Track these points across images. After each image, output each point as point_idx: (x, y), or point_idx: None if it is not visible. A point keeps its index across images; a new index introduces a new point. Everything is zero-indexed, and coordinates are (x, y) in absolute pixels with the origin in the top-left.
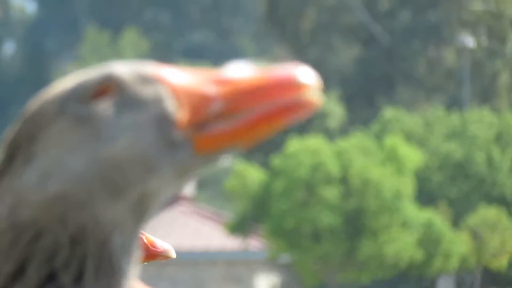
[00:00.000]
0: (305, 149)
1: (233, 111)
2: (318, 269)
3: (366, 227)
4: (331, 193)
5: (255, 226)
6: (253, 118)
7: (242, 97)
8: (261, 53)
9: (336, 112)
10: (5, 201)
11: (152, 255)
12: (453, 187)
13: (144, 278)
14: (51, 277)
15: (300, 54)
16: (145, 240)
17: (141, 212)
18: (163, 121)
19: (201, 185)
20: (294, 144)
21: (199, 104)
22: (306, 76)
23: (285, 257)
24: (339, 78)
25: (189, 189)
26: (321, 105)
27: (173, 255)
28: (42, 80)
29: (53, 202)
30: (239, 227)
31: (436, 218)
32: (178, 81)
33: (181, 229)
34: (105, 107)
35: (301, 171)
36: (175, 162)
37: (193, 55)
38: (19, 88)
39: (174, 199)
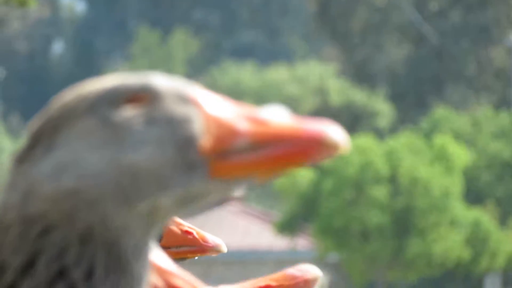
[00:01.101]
0: (354, 148)
1: (255, 147)
2: (366, 268)
3: (414, 226)
4: (380, 192)
5: (303, 225)
6: (272, 153)
7: (269, 141)
8: (311, 53)
9: (386, 111)
10: (19, 188)
11: (202, 249)
12: (500, 186)
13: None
14: (62, 273)
15: (350, 54)
16: (196, 235)
17: (151, 222)
18: (186, 142)
19: (250, 185)
20: None
21: (226, 136)
22: (335, 137)
23: (333, 256)
24: (389, 78)
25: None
26: (371, 104)
27: (224, 249)
28: (92, 78)
29: (64, 196)
30: (287, 226)
31: (483, 217)
32: (213, 110)
33: (229, 228)
34: (135, 115)
35: (350, 170)
36: (189, 184)
37: (242, 54)
38: (70, 86)
39: (223, 199)
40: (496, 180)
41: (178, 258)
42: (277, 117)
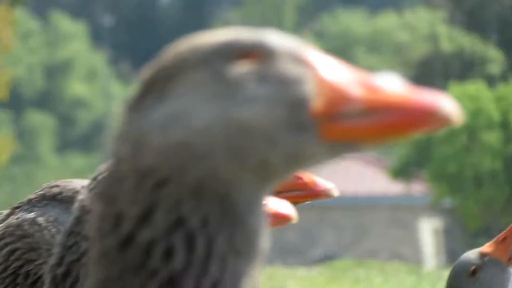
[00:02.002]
0: (466, 95)
1: (367, 113)
2: (480, 213)
3: None
4: (492, 138)
5: (417, 171)
6: (384, 121)
7: (381, 109)
8: (419, 0)
9: (496, 58)
10: (129, 139)
11: (315, 194)
12: None
13: (307, 223)
14: (179, 222)
15: (459, 1)
16: (307, 179)
17: (262, 179)
18: (298, 103)
19: (357, 150)
20: (455, 91)
21: (338, 100)
22: (448, 109)
23: (447, 202)
24: (499, 24)
25: None
26: (482, 51)
27: (335, 193)
28: (201, 29)
29: (174, 150)
30: (402, 172)
31: None
32: (326, 72)
33: (344, 174)
34: (248, 71)
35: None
36: (298, 144)
37: (353, 2)
38: (179, 36)
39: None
40: None
41: (290, 202)
42: (391, 85)
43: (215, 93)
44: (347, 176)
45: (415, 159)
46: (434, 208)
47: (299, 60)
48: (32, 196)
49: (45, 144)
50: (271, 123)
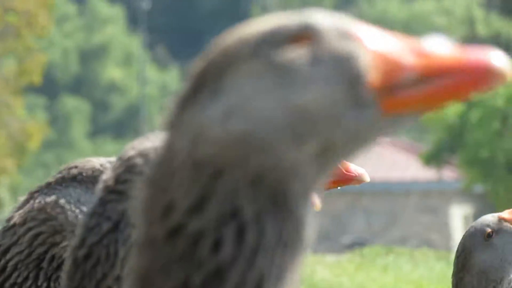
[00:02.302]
0: None
1: (423, 80)
2: (511, 199)
3: None
4: None
5: (450, 157)
6: (442, 86)
7: (436, 74)
8: None
9: None
10: (186, 132)
11: (346, 179)
12: None
13: (337, 209)
14: (232, 214)
15: None
16: (339, 165)
17: (322, 163)
18: (355, 79)
19: (418, 119)
20: None
21: (392, 71)
22: (501, 64)
23: (479, 187)
24: None
25: None
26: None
27: (367, 179)
28: (240, 12)
29: (235, 141)
30: (434, 158)
31: None
32: (376, 45)
33: (376, 160)
34: (300, 55)
35: (497, 102)
36: (360, 120)
37: None
38: (216, 20)
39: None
40: None
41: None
42: (441, 48)
43: (271, 82)
44: (379, 162)
45: (447, 144)
46: (465, 194)
47: (347, 36)
48: (51, 179)
49: (79, 129)
50: (331, 103)
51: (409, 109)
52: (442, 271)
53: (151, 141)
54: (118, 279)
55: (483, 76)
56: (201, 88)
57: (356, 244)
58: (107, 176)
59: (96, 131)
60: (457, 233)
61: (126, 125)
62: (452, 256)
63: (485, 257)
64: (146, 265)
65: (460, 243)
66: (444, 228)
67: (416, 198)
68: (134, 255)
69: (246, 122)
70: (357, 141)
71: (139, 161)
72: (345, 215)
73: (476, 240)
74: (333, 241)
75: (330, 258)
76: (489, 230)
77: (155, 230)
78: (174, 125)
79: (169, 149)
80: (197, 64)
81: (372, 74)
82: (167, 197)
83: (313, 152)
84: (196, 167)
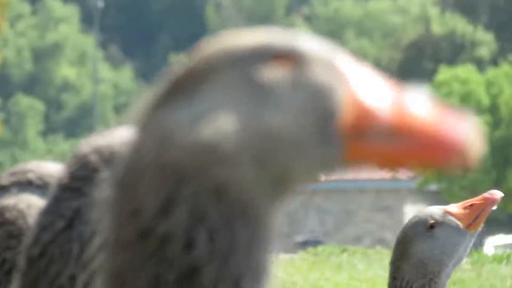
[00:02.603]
0: (455, 78)
1: (392, 136)
2: (465, 198)
3: None
4: (480, 122)
5: None
6: (407, 149)
7: (405, 135)
8: None
9: (487, 41)
10: (154, 133)
11: None
12: None
13: (292, 207)
14: (199, 219)
15: None
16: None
17: (279, 187)
18: (328, 115)
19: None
20: (444, 73)
21: (366, 118)
22: (470, 144)
23: (433, 186)
24: (489, 8)
25: None
26: (472, 34)
27: (322, 178)
28: (193, 11)
29: (201, 149)
30: None
31: None
32: (358, 87)
33: None
34: (280, 77)
35: (451, 100)
36: (323, 157)
37: None
38: (169, 19)
39: None
40: None
41: None
42: (420, 107)
43: (246, 97)
44: None
45: None
46: (419, 193)
47: (332, 68)
48: (4, 181)
49: (32, 128)
50: (299, 133)
51: (370, 160)
52: None
53: (106, 138)
54: (72, 277)
55: (447, 154)
56: (175, 92)
57: (310, 243)
58: (61, 173)
59: (50, 130)
60: None
61: (79, 123)
62: None
63: (425, 247)
64: (118, 264)
65: (402, 231)
66: (398, 227)
67: (370, 196)
68: (105, 254)
69: (213, 132)
70: (316, 173)
71: (93, 158)
72: (298, 214)
73: (418, 230)
74: (286, 239)
75: (283, 257)
76: (432, 221)
77: (126, 231)
78: (143, 126)
79: (137, 150)
80: (176, 68)
81: (345, 115)
82: (135, 199)
83: (273, 174)
84: (162, 170)
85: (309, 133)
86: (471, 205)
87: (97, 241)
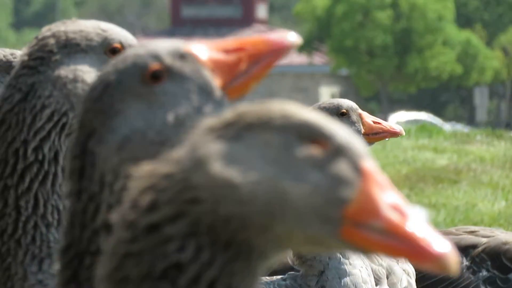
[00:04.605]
0: None
1: (386, 234)
2: (372, 81)
3: (413, 45)
4: (384, 16)
5: (319, 44)
6: (396, 247)
7: (399, 237)
8: None
9: None
10: (195, 154)
11: (391, 133)
12: (487, 11)
13: None
14: (193, 234)
15: None
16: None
17: (277, 245)
18: (337, 201)
19: (273, 9)
20: None
21: (370, 213)
22: (450, 261)
23: (344, 71)
24: None
25: (262, 12)
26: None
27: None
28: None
29: (223, 184)
30: (305, 45)
31: (473, 37)
32: (372, 189)
33: None
34: (312, 156)
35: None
36: (320, 231)
37: None
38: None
39: (248, 22)
40: (483, 5)
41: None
42: (417, 220)
43: (277, 159)
44: None
45: (317, 33)
46: (332, 76)
47: (357, 167)
48: None
49: (3, 21)
50: (308, 206)
51: (362, 246)
52: None
53: (66, 25)
54: (25, 141)
55: (429, 262)
56: (229, 127)
57: None
58: (23, 52)
59: (20, 23)
60: None
61: (45, 17)
62: None
63: None
64: (122, 250)
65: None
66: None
67: (290, 79)
68: (111, 237)
69: (241, 175)
70: (310, 244)
71: (51, 41)
72: None
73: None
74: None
75: None
76: (343, 110)
77: (137, 217)
78: (189, 142)
79: (175, 162)
80: (236, 108)
81: (352, 205)
82: (156, 200)
83: (275, 231)
84: (184, 187)
85: (316, 210)
86: (379, 124)
87: (46, 112)
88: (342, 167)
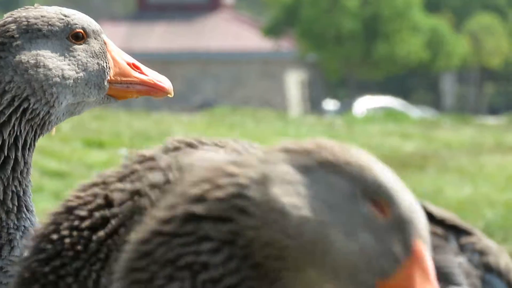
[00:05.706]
0: None
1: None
2: (339, 67)
3: (381, 31)
4: (352, 2)
5: (287, 30)
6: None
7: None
8: None
9: None
10: (258, 172)
11: (156, 90)
12: None
13: (190, 74)
14: (230, 242)
15: None
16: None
17: (309, 283)
18: (379, 271)
19: None
20: None
21: (403, 286)
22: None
23: (312, 57)
24: None
25: None
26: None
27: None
28: None
29: (272, 211)
30: (272, 31)
31: (440, 23)
32: (416, 272)
33: (223, 33)
34: (370, 215)
35: None
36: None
37: None
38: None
39: (216, 7)
40: None
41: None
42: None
43: (337, 205)
44: (226, 35)
45: (284, 19)
46: (299, 62)
47: (409, 245)
48: None
49: None
50: (349, 263)
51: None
52: (280, 129)
53: (28, 11)
54: None
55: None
56: (295, 159)
57: (206, 104)
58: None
59: None
60: (293, 96)
61: (9, 3)
62: (289, 115)
63: None
64: (156, 227)
65: None
66: (281, 91)
67: (257, 65)
68: (144, 219)
69: (293, 205)
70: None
71: (12, 26)
72: (197, 79)
73: None
74: (186, 101)
75: (184, 117)
76: None
77: (181, 201)
78: (250, 161)
79: (237, 176)
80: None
81: (390, 280)
82: (207, 188)
83: (309, 270)
84: (240, 198)
85: (355, 270)
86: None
87: (7, 98)
88: (395, 240)
